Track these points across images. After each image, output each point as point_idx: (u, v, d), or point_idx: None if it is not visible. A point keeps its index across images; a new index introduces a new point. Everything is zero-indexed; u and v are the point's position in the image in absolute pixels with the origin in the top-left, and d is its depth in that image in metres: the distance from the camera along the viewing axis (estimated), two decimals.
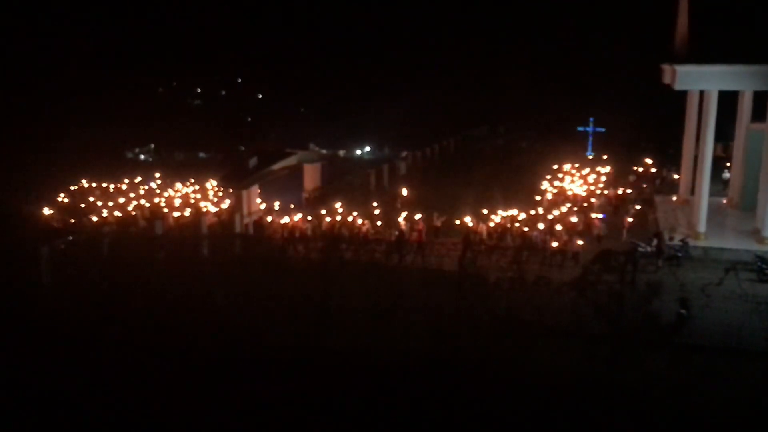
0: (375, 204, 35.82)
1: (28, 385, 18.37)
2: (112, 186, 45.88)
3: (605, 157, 49.28)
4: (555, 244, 28.02)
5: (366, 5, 75.70)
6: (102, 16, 67.00)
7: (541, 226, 31.29)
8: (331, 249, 21.73)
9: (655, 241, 29.48)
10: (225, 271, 23.76)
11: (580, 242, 28.75)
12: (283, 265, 22.78)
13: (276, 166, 39.92)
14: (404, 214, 33.37)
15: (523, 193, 37.77)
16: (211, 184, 44.54)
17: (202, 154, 66.28)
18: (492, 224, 32.06)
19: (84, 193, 44.36)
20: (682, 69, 31.18)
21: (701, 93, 33.25)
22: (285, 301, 20.43)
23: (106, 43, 65.66)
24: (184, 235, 32.91)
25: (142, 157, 67.51)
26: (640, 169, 44.91)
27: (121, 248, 28.23)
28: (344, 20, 75.53)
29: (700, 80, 31.23)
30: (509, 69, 69.32)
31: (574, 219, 32.35)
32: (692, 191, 34.41)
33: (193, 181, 45.93)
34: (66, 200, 42.29)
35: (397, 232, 30.71)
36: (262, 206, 37.78)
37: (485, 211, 32.96)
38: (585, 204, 36.42)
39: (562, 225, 31.42)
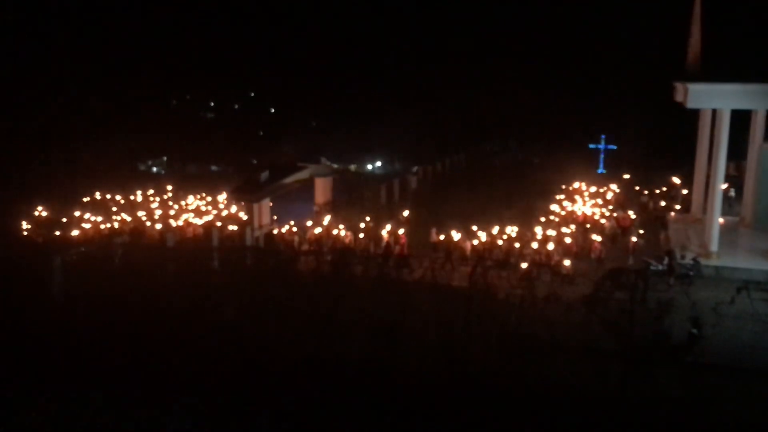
0: (367, 218, 36.15)
1: (40, 393, 18.47)
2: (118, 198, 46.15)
3: (617, 175, 49.07)
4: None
5: (379, 21, 76.24)
6: (117, 28, 67.75)
7: (534, 245, 31.28)
8: (340, 262, 21.76)
9: (666, 260, 29.37)
10: (235, 283, 23.85)
11: (567, 262, 28.55)
12: (292, 277, 22.82)
13: (288, 180, 40.12)
14: (388, 227, 33.79)
15: (530, 212, 37.53)
16: (223, 196, 44.83)
17: (214, 167, 66.66)
18: (476, 242, 31.91)
19: (96, 204, 44.60)
20: (694, 87, 31.15)
21: (713, 111, 33.20)
22: (294, 313, 20.47)
23: (121, 56, 66.32)
24: (195, 247, 33.07)
25: (154, 169, 68.00)
26: (650, 190, 44.60)
27: (132, 260, 28.37)
28: (357, 35, 76.07)
29: (713, 99, 31.18)
30: (521, 85, 69.50)
31: (567, 240, 32.12)
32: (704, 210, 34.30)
33: (204, 194, 46.17)
34: (44, 213, 41.41)
35: (384, 245, 31.29)
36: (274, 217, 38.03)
37: (474, 228, 32.98)
38: (587, 225, 35.95)
39: (555, 245, 31.36)
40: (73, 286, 26.40)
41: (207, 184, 49.43)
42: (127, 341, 21.30)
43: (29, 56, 60.78)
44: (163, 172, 66.36)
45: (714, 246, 31.06)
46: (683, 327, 19.98)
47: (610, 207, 40.34)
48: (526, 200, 40.62)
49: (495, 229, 33.06)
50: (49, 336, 21.82)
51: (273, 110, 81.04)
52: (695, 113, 36.57)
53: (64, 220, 39.75)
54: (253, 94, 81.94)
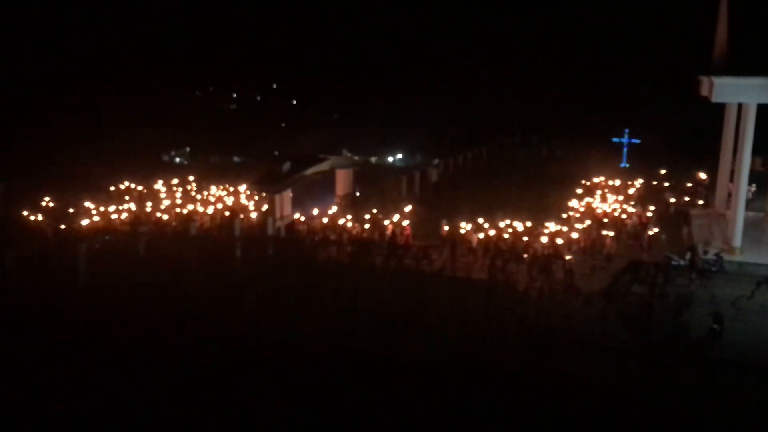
0: (374, 210, 36.70)
1: (68, 380, 18.86)
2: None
3: (641, 170, 48.55)
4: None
5: (402, 14, 76.10)
6: (142, 20, 68.42)
7: (544, 239, 31.18)
8: (361, 253, 21.96)
9: (688, 255, 29.16)
10: (256, 272, 24.15)
11: (568, 257, 28.44)
12: (313, 267, 23.06)
13: (309, 171, 40.37)
14: (395, 218, 34.49)
15: (547, 206, 37.27)
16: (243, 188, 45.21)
17: (236, 158, 67.11)
18: (482, 235, 32.10)
19: (120, 194, 45.14)
20: (719, 81, 30.81)
21: (739, 106, 32.79)
22: (313, 302, 20.71)
23: (146, 48, 66.99)
24: (218, 236, 33.46)
25: (177, 159, 68.60)
26: (673, 185, 44.07)
27: (156, 248, 28.80)
28: (380, 27, 76.01)
29: (738, 93, 30.78)
30: (545, 78, 69.06)
31: (574, 235, 31.94)
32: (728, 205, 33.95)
33: (227, 185, 46.55)
34: (51, 204, 40.89)
35: (389, 236, 32.08)
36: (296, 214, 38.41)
37: (481, 221, 33.16)
38: (604, 220, 35.58)
39: (564, 240, 31.28)
40: (98, 274, 26.89)
41: (229, 175, 49.79)
42: (150, 328, 21.68)
43: (55, 46, 61.62)
44: (186, 162, 66.92)
45: (737, 242, 30.76)
46: (703, 322, 19.86)
47: (632, 203, 39.83)
48: (545, 194, 40.30)
49: (503, 223, 33.06)
50: (75, 323, 22.28)
51: (295, 102, 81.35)
52: (721, 108, 36.15)
53: (71, 210, 39.43)
54: (275, 86, 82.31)
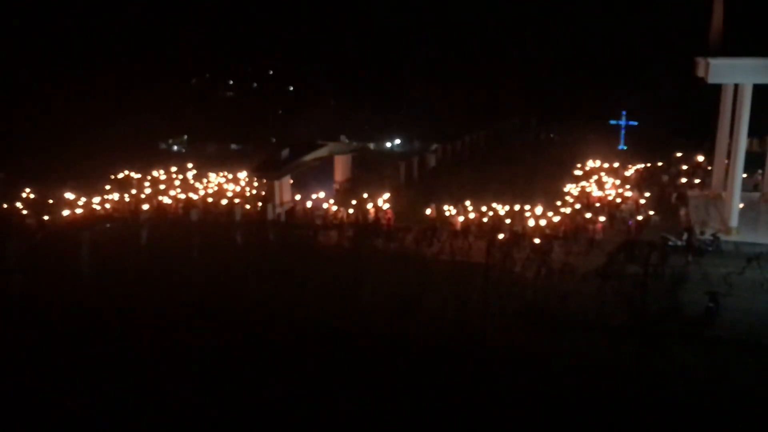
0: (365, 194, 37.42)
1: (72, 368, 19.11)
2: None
3: (639, 152, 48.65)
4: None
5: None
6: (136, 7, 68.14)
7: (531, 222, 31.44)
8: (361, 237, 22.20)
9: (685, 236, 29.39)
10: (257, 257, 24.40)
11: (537, 240, 27.71)
12: (314, 251, 23.32)
13: (307, 158, 40.53)
14: (380, 202, 35.75)
15: (546, 190, 37.36)
16: (243, 174, 45.34)
17: (234, 146, 67.12)
18: (461, 218, 32.68)
19: (120, 183, 45.19)
20: (715, 62, 30.93)
21: (735, 86, 32.93)
22: (315, 286, 20.96)
23: (141, 35, 66.76)
24: (219, 222, 33.67)
25: (175, 148, 68.58)
26: (669, 167, 44.21)
27: (158, 235, 29.00)
28: (376, 13, 75.79)
29: (734, 73, 30.94)
30: (543, 62, 69.06)
31: (556, 218, 32.04)
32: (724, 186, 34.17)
33: (226, 172, 46.67)
34: (32, 196, 39.93)
35: (371, 219, 33.13)
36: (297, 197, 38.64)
37: (467, 204, 33.77)
38: (596, 205, 35.71)
39: (547, 222, 31.53)
40: (100, 261, 27.10)
41: (227, 163, 49.87)
42: (152, 312, 21.95)
43: (50, 35, 61.39)
44: (183, 150, 66.91)
45: (734, 222, 31.00)
46: (698, 300, 20.11)
47: (627, 186, 39.72)
48: (541, 178, 40.37)
49: (485, 207, 33.53)
50: (80, 308, 22.52)
51: (292, 88, 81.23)
52: (717, 88, 36.27)
53: (51, 201, 38.31)
54: (271, 72, 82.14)
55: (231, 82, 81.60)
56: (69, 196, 38.17)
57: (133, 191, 42.05)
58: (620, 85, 62.76)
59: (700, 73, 34.74)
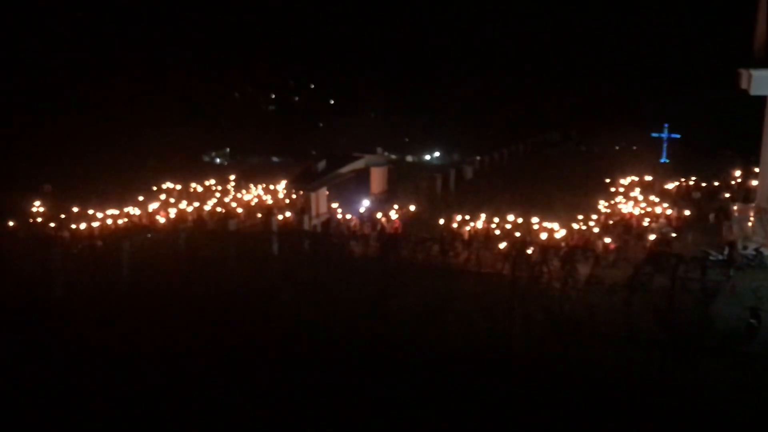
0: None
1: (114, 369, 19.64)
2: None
3: (682, 165, 47.51)
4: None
5: (439, 10, 76.20)
6: (180, 21, 69.95)
7: (543, 235, 30.88)
8: (388, 247, 22.37)
9: (727, 250, 28.73)
10: (292, 267, 24.75)
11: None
12: (343, 261, 23.57)
13: (344, 170, 40.98)
14: (391, 213, 36.69)
15: (580, 205, 36.56)
16: (281, 186, 46.03)
17: (275, 158, 68.21)
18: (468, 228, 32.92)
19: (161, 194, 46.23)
20: (758, 73, 30.33)
21: None
22: (345, 296, 21.17)
23: (185, 49, 68.49)
24: (256, 232, 34.22)
25: (218, 160, 70.04)
26: (709, 182, 42.85)
27: (196, 245, 29.56)
28: (416, 25, 76.27)
29: None
30: (584, 74, 68.49)
31: (561, 233, 31.35)
32: None
33: (264, 184, 47.46)
34: (41, 209, 39.11)
35: (378, 228, 34.31)
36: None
37: (483, 215, 33.85)
38: (609, 222, 34.69)
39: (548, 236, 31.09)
40: (140, 269, 27.78)
41: (268, 175, 50.71)
42: (188, 319, 22.41)
43: (96, 49, 63.39)
44: (225, 163, 68.30)
45: None
46: (735, 315, 19.65)
47: (665, 204, 37.64)
48: (577, 192, 39.53)
49: (500, 217, 33.51)
50: (120, 312, 23.18)
51: (332, 102, 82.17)
52: (762, 101, 35.41)
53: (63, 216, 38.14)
54: (312, 86, 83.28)
55: (273, 96, 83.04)
56: (112, 211, 39.19)
57: (172, 200, 43.12)
58: (663, 98, 61.81)
59: (744, 85, 33.99)
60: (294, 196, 43.12)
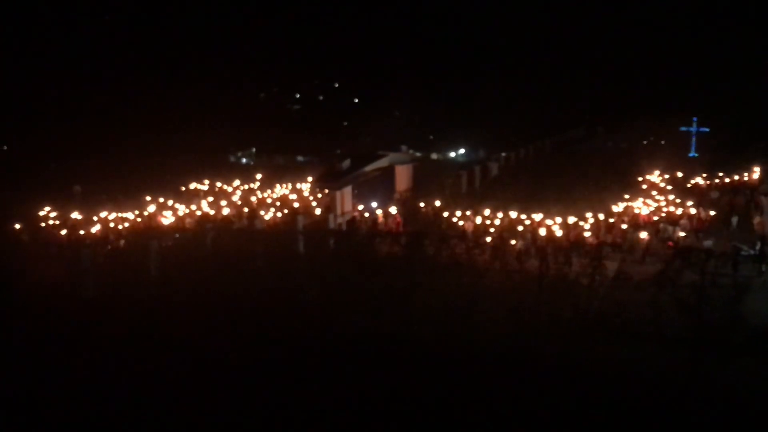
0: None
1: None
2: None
3: (711, 159, 46.46)
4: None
5: (464, 8, 75.97)
6: (205, 23, 70.66)
7: (542, 231, 30.33)
8: (414, 245, 22.36)
9: (759, 245, 28.22)
10: (317, 265, 24.89)
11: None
12: (368, 259, 23.62)
13: (368, 168, 40.98)
14: (392, 208, 37.08)
15: (603, 201, 35.36)
16: (306, 185, 46.19)
17: (300, 158, 68.47)
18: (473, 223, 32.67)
19: (188, 195, 46.56)
20: None
21: None
22: (371, 294, 21.22)
23: (210, 50, 69.13)
24: (281, 231, 34.44)
25: (244, 160, 70.51)
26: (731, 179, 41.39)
27: (223, 243, 29.90)
28: (440, 22, 76.11)
29: None
30: (610, 68, 67.77)
31: (558, 233, 30.49)
32: None
33: (290, 184, 47.63)
34: (52, 213, 37.55)
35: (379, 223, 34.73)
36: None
37: (487, 212, 33.61)
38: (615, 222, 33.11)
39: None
40: (168, 269, 28.17)
41: (293, 174, 50.90)
42: (217, 319, 22.66)
43: (122, 50, 64.29)
44: (252, 163, 68.71)
45: None
46: (765, 311, 19.29)
47: (689, 203, 35.36)
48: (601, 189, 38.47)
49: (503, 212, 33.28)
50: (148, 310, 23.54)
51: (357, 100, 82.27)
52: None
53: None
54: (337, 85, 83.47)
55: (297, 95, 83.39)
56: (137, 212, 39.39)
57: (201, 201, 43.38)
58: (692, 91, 60.83)
59: None
60: (319, 195, 43.23)
